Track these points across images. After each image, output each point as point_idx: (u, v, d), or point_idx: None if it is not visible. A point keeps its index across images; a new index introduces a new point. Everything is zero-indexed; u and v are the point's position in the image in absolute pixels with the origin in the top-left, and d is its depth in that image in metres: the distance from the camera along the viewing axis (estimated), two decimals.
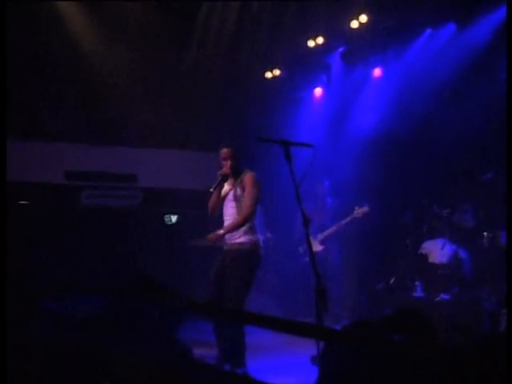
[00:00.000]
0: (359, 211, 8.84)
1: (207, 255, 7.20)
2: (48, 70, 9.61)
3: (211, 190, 6.26)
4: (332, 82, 10.33)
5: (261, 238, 9.36)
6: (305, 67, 10.35)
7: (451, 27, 8.80)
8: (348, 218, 8.94)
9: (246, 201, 6.13)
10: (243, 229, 6.12)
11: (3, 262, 3.12)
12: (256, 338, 7.56)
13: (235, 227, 6.11)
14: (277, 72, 10.50)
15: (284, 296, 9.77)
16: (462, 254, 8.04)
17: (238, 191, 6.19)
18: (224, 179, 6.32)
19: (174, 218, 9.66)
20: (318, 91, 10.67)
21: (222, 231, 6.15)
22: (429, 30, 9.04)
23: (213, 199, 6.29)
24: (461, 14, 8.59)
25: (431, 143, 8.83)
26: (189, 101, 10.61)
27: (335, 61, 10.08)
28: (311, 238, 4.70)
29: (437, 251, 8.19)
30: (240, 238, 6.15)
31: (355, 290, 9.49)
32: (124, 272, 9.13)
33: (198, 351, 3.96)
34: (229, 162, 6.29)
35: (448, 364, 1.60)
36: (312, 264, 4.56)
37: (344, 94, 10.11)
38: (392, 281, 8.68)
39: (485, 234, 7.96)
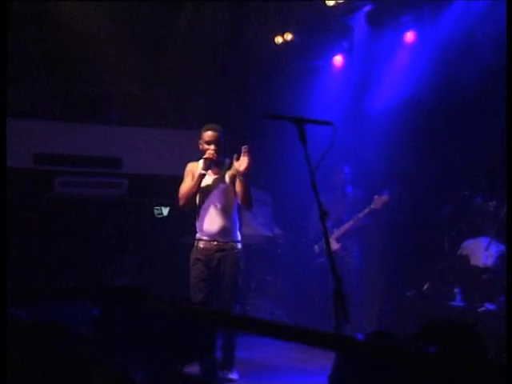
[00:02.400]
0: (378, 201, 8.85)
1: None
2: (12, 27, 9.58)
3: (203, 172, 6.68)
4: (355, 48, 10.24)
5: (268, 233, 9.36)
6: (322, 31, 10.26)
7: None
8: (366, 210, 8.98)
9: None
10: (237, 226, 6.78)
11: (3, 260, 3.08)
12: (261, 353, 7.58)
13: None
14: (289, 36, 10.42)
15: (296, 303, 9.87)
16: None
17: (229, 185, 6.73)
18: (211, 164, 6.73)
19: (165, 211, 9.67)
20: (337, 60, 10.58)
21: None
22: None
23: (191, 186, 6.75)
24: None
25: (473, 123, 8.76)
26: (184, 71, 10.56)
27: (359, 23, 9.99)
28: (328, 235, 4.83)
29: (480, 252, 8.17)
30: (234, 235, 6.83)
31: (380, 297, 9.58)
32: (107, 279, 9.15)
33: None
34: (214, 147, 6.72)
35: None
36: (331, 265, 4.49)
37: (369, 63, 10.06)
38: (426, 287, 8.67)
39: None
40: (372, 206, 8.90)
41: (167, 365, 2.80)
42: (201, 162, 6.75)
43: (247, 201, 6.72)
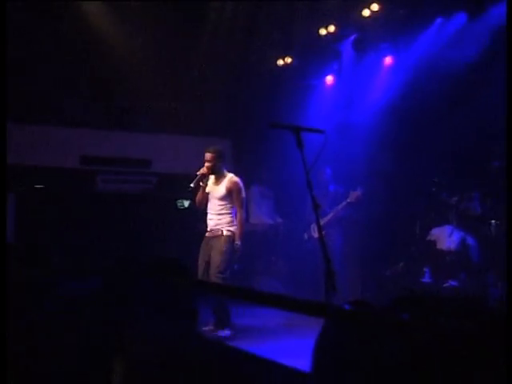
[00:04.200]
0: (353, 195, 8.85)
1: None
2: (64, 56, 9.61)
3: (191, 185, 7.08)
4: (343, 69, 10.27)
5: (270, 222, 9.28)
6: (316, 55, 10.29)
7: (462, 17, 8.73)
8: (343, 203, 8.96)
9: (238, 206, 7.20)
10: (231, 222, 7.21)
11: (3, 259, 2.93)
12: (261, 320, 7.60)
13: (241, 229, 7.22)
14: (289, 60, 10.46)
15: (292, 278, 9.81)
16: (470, 240, 8.04)
17: (223, 191, 7.17)
18: (202, 178, 7.15)
19: (186, 203, 9.64)
20: (329, 79, 10.64)
21: (237, 235, 7.20)
22: (439, 20, 8.97)
23: (200, 194, 7.26)
24: (472, 4, 8.53)
25: (440, 133, 8.80)
26: (202, 88, 10.58)
27: (346, 49, 10.01)
28: (312, 225, 4.87)
29: (445, 238, 8.19)
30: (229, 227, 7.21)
31: (360, 276, 9.45)
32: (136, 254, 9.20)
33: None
34: (209, 164, 7.14)
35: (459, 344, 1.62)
36: (322, 248, 4.54)
37: (355, 82, 10.07)
38: (400, 267, 8.69)
39: (492, 221, 7.97)
40: (348, 200, 8.89)
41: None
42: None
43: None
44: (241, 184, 7.26)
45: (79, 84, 9.92)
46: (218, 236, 7.16)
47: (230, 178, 7.23)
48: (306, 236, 9.21)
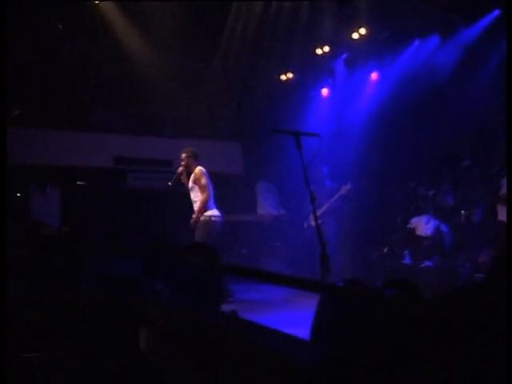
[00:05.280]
0: (344, 189, 8.65)
1: (226, 228, 7.59)
2: (96, 70, 9.64)
3: (169, 183, 7.29)
4: (336, 83, 10.32)
5: (275, 213, 9.17)
6: (313, 71, 10.35)
7: (436, 38, 8.85)
8: (336, 196, 8.72)
9: (200, 190, 7.13)
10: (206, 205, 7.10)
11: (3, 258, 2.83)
12: (264, 295, 7.52)
13: (199, 210, 7.08)
14: (290, 75, 10.49)
15: (294, 260, 9.69)
16: (443, 228, 8.11)
17: (191, 183, 7.22)
18: (179, 176, 7.29)
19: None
20: (324, 91, 10.67)
21: (194, 216, 7.10)
22: (417, 42, 9.10)
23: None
24: (444, 27, 8.57)
25: (419, 137, 8.84)
26: (215, 98, 10.62)
27: (339, 66, 10.10)
28: (310, 215, 4.85)
29: (422, 226, 8.25)
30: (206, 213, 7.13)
31: (351, 258, 9.44)
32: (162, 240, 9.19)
33: None
34: (183, 163, 7.26)
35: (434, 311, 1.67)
36: (318, 234, 4.57)
37: (346, 93, 10.11)
38: (385, 250, 8.74)
39: (462, 212, 8.01)
40: (340, 193, 8.73)
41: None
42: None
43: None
44: (203, 171, 7.22)
45: (113, 94, 9.95)
46: (197, 221, 7.13)
47: (195, 170, 7.25)
48: (305, 225, 9.11)
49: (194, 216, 7.11)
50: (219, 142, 10.78)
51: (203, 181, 7.14)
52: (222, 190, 7.97)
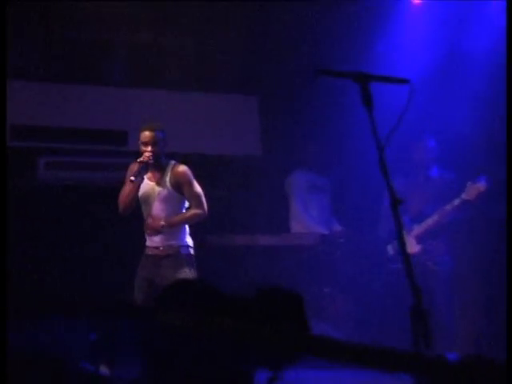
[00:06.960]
0: (471, 190, 5.29)
1: (232, 256, 5.52)
2: None
3: (132, 179, 4.57)
4: None
5: (324, 231, 6.29)
6: None
7: None
8: (456, 201, 5.36)
9: (197, 202, 4.83)
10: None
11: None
12: None
13: (193, 218, 4.84)
14: None
15: (360, 324, 5.76)
16: None
17: (170, 190, 4.79)
18: (144, 169, 4.73)
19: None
20: None
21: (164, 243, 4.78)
22: None
23: (128, 192, 4.68)
24: None
25: None
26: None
27: None
28: (404, 232, 2.56)
29: None
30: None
31: (477, 316, 5.82)
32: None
33: None
34: (151, 149, 4.65)
35: None
36: (407, 272, 2.57)
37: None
38: None
39: None
40: (464, 196, 5.32)
41: None
42: (133, 165, 4.69)
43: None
44: (190, 172, 5.12)
45: None
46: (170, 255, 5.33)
47: (179, 169, 4.97)
48: (390, 250, 5.59)
49: (162, 244, 4.76)
50: (219, 96, 6.19)
51: (197, 188, 4.89)
52: (221, 190, 5.74)
